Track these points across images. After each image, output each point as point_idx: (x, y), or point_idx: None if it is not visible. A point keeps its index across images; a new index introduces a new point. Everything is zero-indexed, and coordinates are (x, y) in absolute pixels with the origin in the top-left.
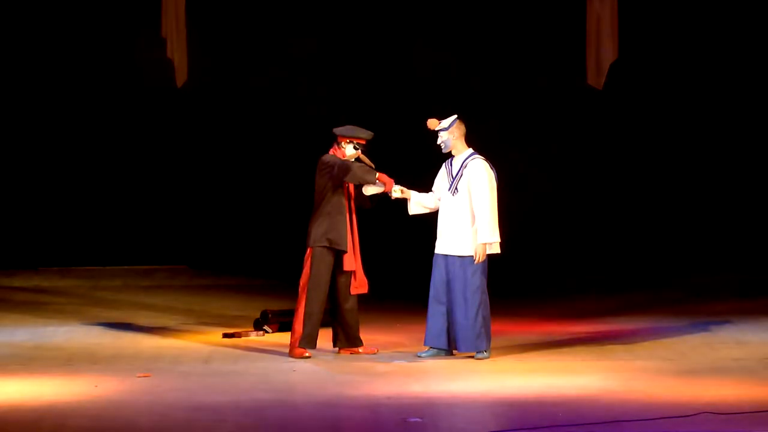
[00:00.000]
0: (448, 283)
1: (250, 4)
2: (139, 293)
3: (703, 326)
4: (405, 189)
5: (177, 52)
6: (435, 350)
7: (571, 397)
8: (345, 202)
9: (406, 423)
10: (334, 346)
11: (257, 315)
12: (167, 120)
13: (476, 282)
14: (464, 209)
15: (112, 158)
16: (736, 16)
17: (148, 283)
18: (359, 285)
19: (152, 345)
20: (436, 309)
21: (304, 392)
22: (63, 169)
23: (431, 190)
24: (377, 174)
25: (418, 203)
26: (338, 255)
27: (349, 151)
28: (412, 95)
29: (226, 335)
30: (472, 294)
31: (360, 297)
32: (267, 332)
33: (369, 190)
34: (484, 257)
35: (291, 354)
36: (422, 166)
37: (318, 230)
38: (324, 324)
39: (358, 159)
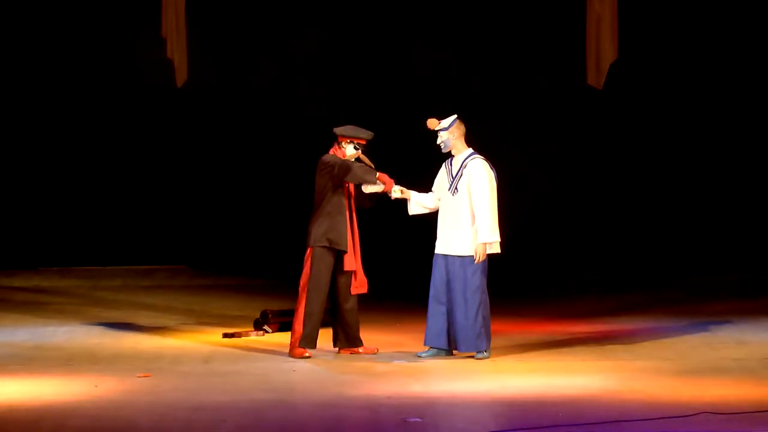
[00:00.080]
0: (448, 283)
1: (250, 3)
2: (139, 293)
3: (703, 326)
4: (405, 189)
5: (177, 52)
6: (435, 350)
7: (571, 397)
8: (345, 202)
9: (406, 423)
10: (334, 346)
11: (257, 315)
12: (167, 120)
13: (476, 282)
14: (464, 209)
15: (112, 158)
16: (736, 15)
17: (148, 283)
18: (359, 285)
19: (152, 345)
20: (436, 309)
21: (304, 392)
22: (63, 169)
23: (431, 190)
24: (377, 174)
25: (418, 203)
26: (338, 255)
27: (349, 151)
28: (412, 95)
29: (226, 335)
30: (472, 294)
31: (360, 297)
32: (267, 332)
33: (368, 188)
34: (484, 257)
35: (291, 354)
36: (422, 166)
37: (318, 230)
38: (324, 324)
39: (358, 159)
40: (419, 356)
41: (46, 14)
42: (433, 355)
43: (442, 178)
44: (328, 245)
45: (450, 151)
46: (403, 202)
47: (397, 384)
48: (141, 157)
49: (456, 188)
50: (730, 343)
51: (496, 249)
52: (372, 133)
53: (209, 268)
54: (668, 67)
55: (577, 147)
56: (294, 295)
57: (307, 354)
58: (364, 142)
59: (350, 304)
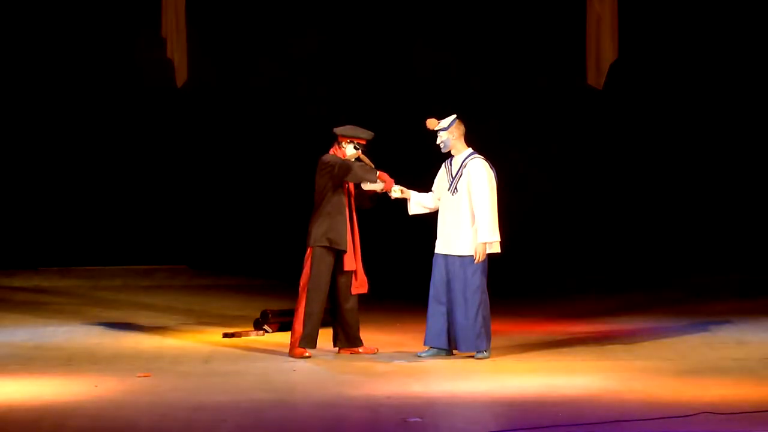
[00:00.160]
0: (448, 283)
1: (250, 3)
2: (139, 293)
3: (703, 326)
4: (405, 189)
5: (177, 52)
6: (435, 350)
7: (571, 397)
8: (345, 202)
9: (406, 423)
10: (334, 346)
11: (257, 315)
12: (167, 120)
13: (476, 282)
14: (464, 209)
15: (112, 158)
16: (736, 15)
17: (148, 283)
18: (359, 285)
19: (152, 345)
20: (436, 309)
21: (304, 392)
22: (63, 168)
23: (431, 190)
24: (378, 173)
25: (417, 203)
26: (338, 255)
27: (349, 150)
28: (412, 95)
29: (226, 335)
30: (472, 294)
31: (360, 297)
32: (267, 332)
33: (367, 186)
34: (484, 257)
35: (291, 354)
36: (422, 166)
37: (318, 230)
38: (324, 324)
39: (358, 159)
40: (419, 356)
41: (46, 14)
42: (433, 355)
43: (441, 178)
44: (328, 245)
45: (450, 151)
46: (403, 202)
47: (397, 384)
48: (141, 157)
49: (456, 188)
50: (730, 343)
51: (496, 249)
52: (372, 133)
53: (209, 268)
54: (668, 67)
55: (577, 147)
56: (294, 295)
57: (307, 354)
58: (364, 142)
59: (350, 304)
